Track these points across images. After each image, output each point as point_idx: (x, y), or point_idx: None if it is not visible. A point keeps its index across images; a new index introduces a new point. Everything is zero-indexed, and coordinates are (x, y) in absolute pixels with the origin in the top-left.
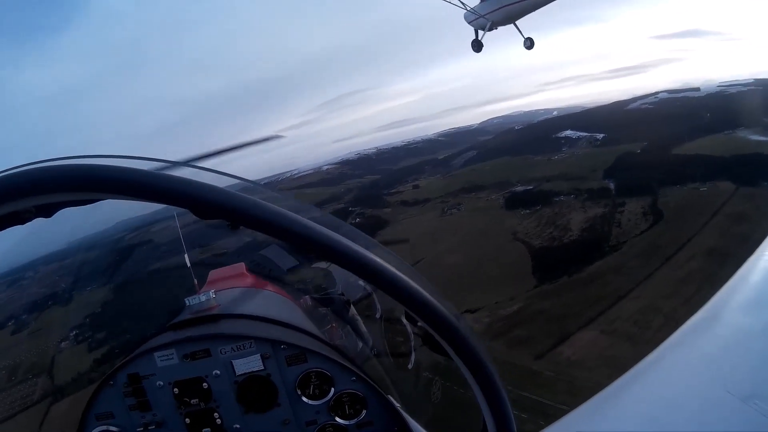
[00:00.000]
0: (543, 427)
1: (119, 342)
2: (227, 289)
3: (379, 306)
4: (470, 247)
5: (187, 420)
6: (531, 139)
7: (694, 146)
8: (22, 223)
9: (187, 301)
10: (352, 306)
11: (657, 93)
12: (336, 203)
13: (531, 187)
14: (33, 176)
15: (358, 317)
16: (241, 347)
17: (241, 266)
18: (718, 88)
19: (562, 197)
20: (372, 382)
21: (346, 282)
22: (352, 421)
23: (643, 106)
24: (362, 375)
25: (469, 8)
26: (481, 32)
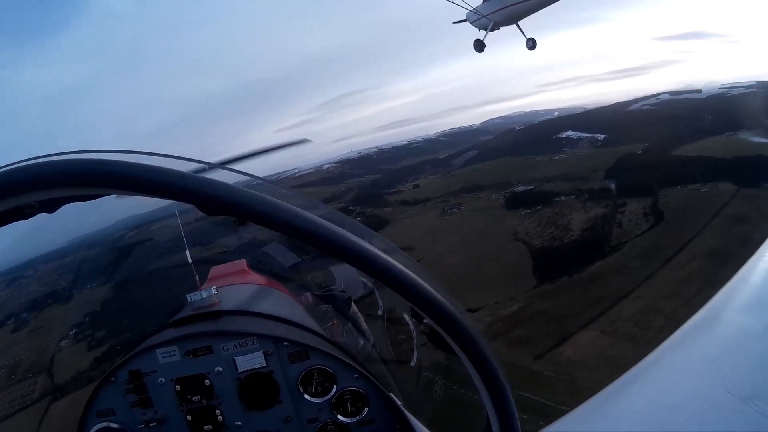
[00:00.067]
0: (543, 427)
1: (119, 340)
2: (229, 286)
3: (381, 303)
4: (470, 247)
5: (189, 417)
6: (532, 139)
7: (695, 147)
8: (25, 218)
9: (188, 298)
10: (353, 303)
11: (658, 94)
12: (336, 202)
13: (532, 187)
14: (37, 171)
15: (359, 315)
16: (244, 344)
17: (242, 263)
18: (720, 90)
19: (562, 197)
20: (374, 380)
21: (347, 279)
22: (354, 419)
23: (645, 108)
24: (364, 372)
25: (471, 8)
26: (483, 32)
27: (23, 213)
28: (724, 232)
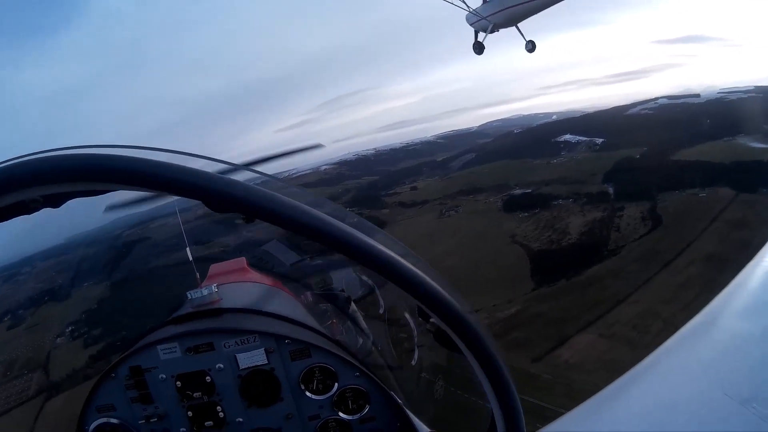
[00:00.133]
0: (538, 429)
1: (115, 338)
2: (229, 284)
3: (382, 302)
4: (468, 249)
5: (190, 413)
6: (530, 142)
7: (693, 152)
8: (29, 212)
9: (189, 295)
10: (352, 302)
11: (657, 99)
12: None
13: (530, 191)
14: (43, 165)
15: (359, 313)
16: (245, 341)
17: (242, 261)
18: (719, 95)
19: (560, 201)
20: (375, 378)
21: (346, 278)
22: (355, 417)
23: (643, 112)
24: (365, 371)
25: (471, 10)
26: (482, 34)
27: (28, 207)
28: (722, 237)
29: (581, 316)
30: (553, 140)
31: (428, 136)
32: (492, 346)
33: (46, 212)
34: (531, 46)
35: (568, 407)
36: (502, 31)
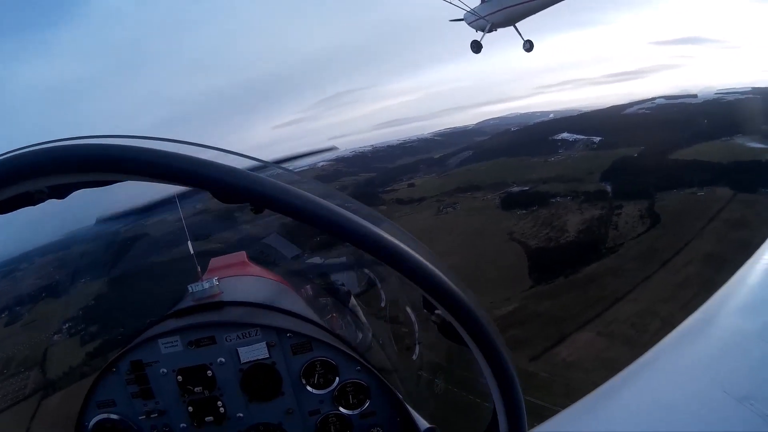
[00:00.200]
0: (534, 427)
1: (112, 335)
2: (229, 278)
3: (383, 296)
4: (465, 247)
5: (190, 408)
6: (527, 140)
7: (691, 152)
8: (34, 204)
9: (189, 288)
10: (352, 296)
11: (654, 98)
12: None
13: (527, 188)
14: (49, 155)
15: (359, 308)
16: (247, 335)
17: (242, 255)
18: (716, 96)
19: (558, 199)
20: (376, 373)
21: (347, 273)
22: (356, 411)
23: (640, 111)
24: (366, 365)
25: (469, 9)
26: (480, 33)
27: (33, 199)
28: (720, 236)
29: (579, 314)
30: (550, 138)
31: (425, 133)
32: (497, 340)
33: (45, 207)
34: (529, 46)
35: (567, 406)
36: (500, 30)
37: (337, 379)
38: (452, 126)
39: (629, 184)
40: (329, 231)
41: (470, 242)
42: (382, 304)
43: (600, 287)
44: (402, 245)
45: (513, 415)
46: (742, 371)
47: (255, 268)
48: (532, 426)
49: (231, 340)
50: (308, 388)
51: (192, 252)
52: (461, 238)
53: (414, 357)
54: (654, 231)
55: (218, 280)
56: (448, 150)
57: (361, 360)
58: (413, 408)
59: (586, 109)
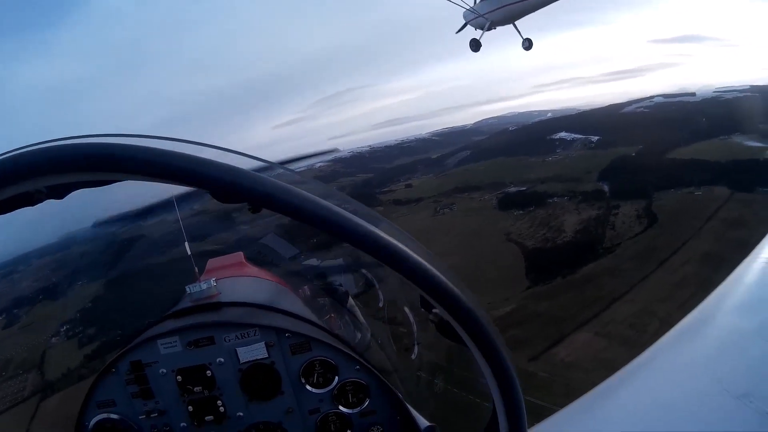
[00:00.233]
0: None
1: (110, 337)
2: (227, 278)
3: (382, 296)
4: (463, 248)
5: (190, 408)
6: (525, 140)
7: (689, 151)
8: (33, 204)
9: (187, 289)
10: (350, 296)
11: (652, 97)
12: None
13: (525, 188)
14: (47, 154)
15: (357, 308)
16: (246, 335)
17: (240, 255)
18: (714, 94)
19: (555, 199)
20: (376, 372)
21: (345, 274)
22: (356, 410)
23: (639, 110)
24: (366, 364)
25: (468, 7)
26: (479, 32)
27: (32, 199)
28: (718, 235)
29: (577, 314)
30: (548, 138)
31: (423, 133)
32: (496, 338)
33: (43, 208)
34: (528, 44)
35: (566, 405)
36: (499, 28)
37: (337, 378)
38: (450, 125)
39: (627, 183)
40: (326, 230)
41: (467, 243)
42: (381, 305)
43: (597, 287)
44: (399, 244)
45: (513, 413)
46: (741, 369)
47: (252, 269)
48: (531, 425)
49: (230, 340)
50: (308, 387)
51: (189, 253)
52: (458, 239)
53: (413, 356)
54: (651, 231)
55: (216, 280)
56: (446, 150)
57: (360, 359)
58: (413, 407)
59: (584, 108)
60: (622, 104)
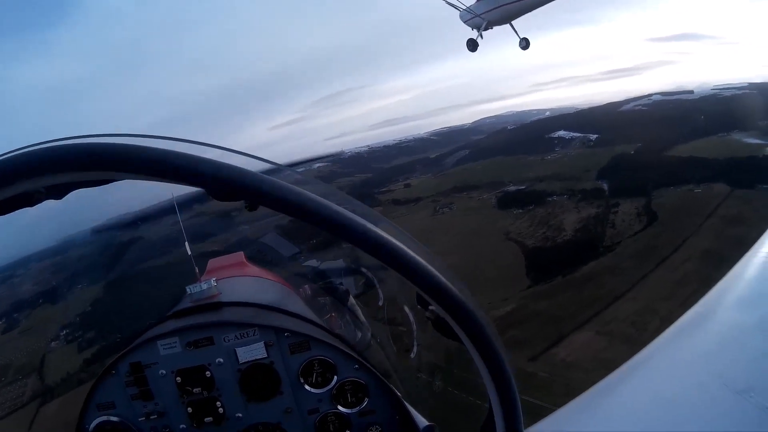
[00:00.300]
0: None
1: (109, 341)
2: (227, 278)
3: (381, 295)
4: (462, 247)
5: (189, 409)
6: (524, 139)
7: (688, 148)
8: (32, 204)
9: (188, 289)
10: (351, 295)
11: (650, 95)
12: None
13: (524, 187)
14: (46, 154)
15: (358, 307)
16: (245, 335)
17: (240, 255)
18: (712, 91)
19: (555, 197)
20: (374, 371)
21: (345, 275)
22: (355, 410)
23: (637, 108)
24: (365, 363)
25: (465, 7)
26: (476, 31)
27: (31, 199)
28: (718, 232)
29: (578, 313)
30: (546, 136)
31: (421, 133)
32: (492, 335)
33: (41, 212)
34: (525, 44)
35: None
36: (496, 28)
37: (336, 377)
38: (448, 125)
39: (626, 181)
40: (319, 224)
41: (467, 242)
42: (380, 303)
43: (598, 286)
44: (393, 240)
45: (509, 411)
46: (742, 364)
47: (253, 269)
48: (531, 425)
49: (229, 340)
50: (306, 387)
51: (190, 254)
52: (458, 238)
53: (412, 355)
54: (651, 229)
55: (216, 281)
56: (445, 149)
57: (359, 358)
58: (412, 405)
59: (582, 107)
60: (621, 102)
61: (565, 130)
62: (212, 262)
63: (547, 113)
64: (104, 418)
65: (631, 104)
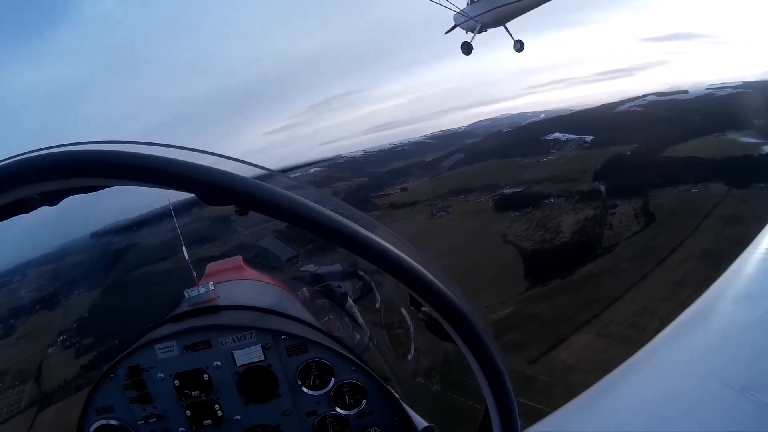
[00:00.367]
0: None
1: (106, 347)
2: (226, 282)
3: (378, 297)
4: (460, 250)
5: (188, 412)
6: (519, 141)
7: (684, 148)
8: (26, 212)
9: (186, 293)
10: (349, 298)
11: (645, 96)
12: None
13: (520, 190)
14: (39, 161)
15: (356, 309)
16: (242, 338)
17: (238, 259)
18: (707, 91)
19: (552, 199)
20: (372, 372)
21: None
22: (353, 412)
23: (632, 109)
24: (362, 365)
25: (458, 10)
26: (470, 34)
27: (25, 206)
28: (716, 232)
29: (577, 315)
30: (542, 139)
31: (417, 136)
32: (485, 335)
33: (38, 218)
34: (519, 46)
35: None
36: (490, 30)
37: (333, 379)
38: (444, 128)
39: (623, 182)
40: (308, 228)
41: (464, 246)
42: (377, 306)
43: (597, 288)
44: (383, 242)
45: (504, 411)
46: (742, 361)
47: (251, 272)
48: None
49: (226, 343)
50: (304, 389)
51: (187, 258)
52: (455, 241)
53: (410, 356)
54: (649, 229)
55: (214, 284)
56: (440, 153)
57: (356, 360)
58: (410, 406)
59: (577, 108)
60: (616, 103)
61: (560, 132)
62: (210, 266)
63: (543, 115)
64: (103, 421)
65: (626, 105)
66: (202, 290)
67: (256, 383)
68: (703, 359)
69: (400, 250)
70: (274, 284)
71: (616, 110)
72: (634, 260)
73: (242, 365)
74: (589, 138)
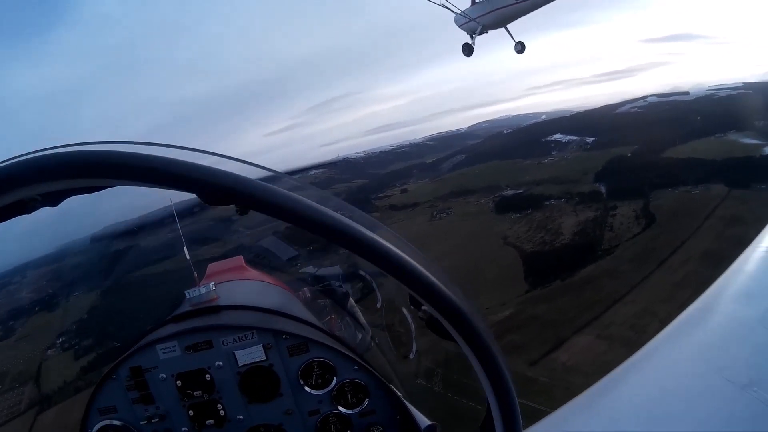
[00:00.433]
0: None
1: (106, 348)
2: (227, 282)
3: (380, 296)
4: (460, 252)
5: (191, 412)
6: (520, 142)
7: (684, 149)
8: (28, 212)
9: (187, 294)
10: (350, 297)
11: (646, 97)
12: None
13: (521, 191)
14: (40, 162)
15: (357, 308)
16: (243, 338)
17: (239, 259)
18: (708, 92)
19: (552, 201)
20: (374, 371)
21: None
22: (355, 410)
23: (633, 110)
24: (364, 364)
25: (459, 12)
26: (471, 36)
27: (26, 207)
28: (717, 233)
29: (577, 317)
30: (543, 140)
31: (417, 138)
32: (485, 334)
33: (37, 219)
34: (520, 47)
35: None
36: (491, 32)
37: (335, 379)
38: (444, 130)
39: (624, 183)
40: (309, 227)
41: (465, 248)
42: (378, 305)
43: (597, 289)
44: (383, 241)
45: (506, 411)
46: (744, 358)
47: (252, 272)
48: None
49: (228, 343)
50: (306, 388)
51: (188, 258)
52: (456, 243)
53: (411, 355)
54: (650, 231)
55: (215, 285)
56: (441, 154)
57: (358, 359)
58: (412, 405)
59: (578, 110)
60: (616, 105)
61: (561, 134)
62: (211, 267)
63: (543, 117)
64: (106, 422)
65: (627, 106)
66: (203, 290)
67: (258, 383)
68: (705, 357)
69: (402, 251)
70: (276, 284)
71: (617, 111)
72: (634, 262)
73: (244, 365)
74: (589, 139)
